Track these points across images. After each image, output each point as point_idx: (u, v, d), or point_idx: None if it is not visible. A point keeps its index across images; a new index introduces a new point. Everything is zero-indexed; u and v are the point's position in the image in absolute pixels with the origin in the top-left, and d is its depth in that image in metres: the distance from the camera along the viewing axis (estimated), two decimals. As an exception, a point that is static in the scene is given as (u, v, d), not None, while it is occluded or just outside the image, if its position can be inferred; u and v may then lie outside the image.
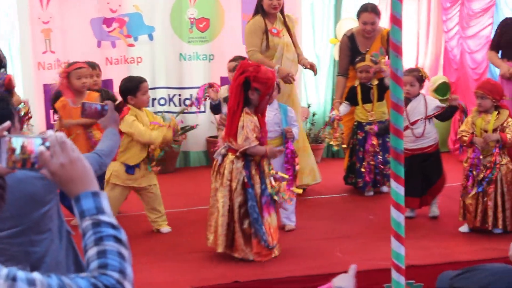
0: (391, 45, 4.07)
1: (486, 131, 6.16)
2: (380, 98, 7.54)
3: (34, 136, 1.97)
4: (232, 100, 5.65)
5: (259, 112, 5.73)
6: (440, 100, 9.59)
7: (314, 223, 6.68)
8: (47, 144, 1.93)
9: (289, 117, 6.47)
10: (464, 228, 6.31)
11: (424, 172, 6.58)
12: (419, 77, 6.64)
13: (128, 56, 8.76)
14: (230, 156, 5.68)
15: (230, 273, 5.47)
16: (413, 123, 6.58)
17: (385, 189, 7.72)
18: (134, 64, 8.72)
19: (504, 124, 6.14)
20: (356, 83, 7.60)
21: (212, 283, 5.29)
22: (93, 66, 7.03)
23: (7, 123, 2.03)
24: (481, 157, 6.16)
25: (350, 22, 8.85)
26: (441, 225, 6.60)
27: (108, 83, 7.17)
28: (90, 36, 8.59)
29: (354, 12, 8.97)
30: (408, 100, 6.62)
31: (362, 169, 7.57)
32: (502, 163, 6.14)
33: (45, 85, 8.17)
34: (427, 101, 6.65)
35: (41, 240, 3.36)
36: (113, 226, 1.97)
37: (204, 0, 8.91)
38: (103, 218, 1.94)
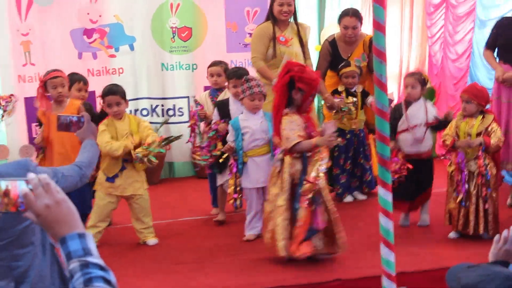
0: (375, 51, 4.11)
1: (469, 135, 6.22)
2: (362, 106, 7.58)
3: (17, 179, 1.98)
4: (277, 99, 5.78)
5: (302, 111, 5.85)
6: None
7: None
8: (30, 186, 1.94)
9: None
10: (453, 234, 6.35)
11: (417, 177, 6.61)
12: (421, 80, 6.61)
13: (110, 67, 8.76)
14: (288, 159, 5.76)
15: (218, 283, 5.49)
16: (412, 127, 6.60)
17: (360, 196, 7.79)
18: (116, 75, 8.72)
19: (489, 129, 6.19)
20: (341, 88, 7.62)
21: (200, 294, 5.32)
22: (81, 79, 7.03)
23: None
24: (464, 161, 6.22)
25: (333, 29, 8.90)
26: (431, 231, 6.63)
27: (90, 94, 7.16)
28: (71, 48, 8.59)
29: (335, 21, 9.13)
30: (408, 103, 6.66)
31: (342, 177, 7.63)
32: (488, 168, 6.19)
33: (26, 98, 8.17)
34: (428, 108, 6.65)
35: (23, 254, 3.35)
36: (101, 268, 1.97)
37: (186, 8, 8.92)
38: (91, 259, 1.95)
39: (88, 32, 8.63)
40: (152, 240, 6.54)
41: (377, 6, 4.06)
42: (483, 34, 8.88)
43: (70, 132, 4.39)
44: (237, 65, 8.90)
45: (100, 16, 8.63)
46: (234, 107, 6.84)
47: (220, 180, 7.02)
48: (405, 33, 10.04)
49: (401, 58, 10.05)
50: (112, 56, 8.79)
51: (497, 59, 7.40)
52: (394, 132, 6.55)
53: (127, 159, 6.37)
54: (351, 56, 7.72)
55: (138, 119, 6.74)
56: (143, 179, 6.57)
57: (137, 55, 8.89)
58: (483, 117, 6.26)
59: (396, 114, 6.65)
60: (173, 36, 8.93)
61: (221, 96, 7.19)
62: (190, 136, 7.29)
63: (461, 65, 9.47)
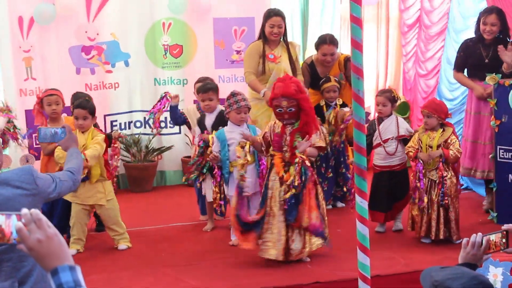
0: (353, 68, 4.10)
1: (430, 147, 6.24)
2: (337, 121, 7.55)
3: (8, 214, 1.97)
4: None
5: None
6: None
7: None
8: (22, 221, 1.94)
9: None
10: (425, 239, 6.33)
11: (391, 189, 6.60)
12: (391, 97, 6.65)
13: (106, 82, 8.70)
14: None
15: (205, 285, 5.44)
16: (384, 141, 6.60)
17: (339, 204, 7.77)
18: (112, 89, 8.68)
19: (448, 141, 6.22)
20: (322, 102, 7.60)
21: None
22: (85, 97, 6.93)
23: None
24: (423, 170, 6.24)
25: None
26: (404, 237, 6.59)
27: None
28: (70, 64, 8.53)
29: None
30: (380, 120, 6.66)
31: (324, 185, 7.61)
32: (447, 177, 6.20)
33: (26, 111, 8.10)
34: (399, 122, 6.66)
35: (29, 256, 3.33)
36: None
37: (177, 27, 8.88)
38: None
39: (86, 49, 8.57)
40: (122, 246, 6.43)
41: (355, 26, 4.06)
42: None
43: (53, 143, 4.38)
44: (225, 80, 8.90)
45: (97, 34, 8.58)
46: (208, 119, 6.87)
47: (203, 190, 6.95)
48: (381, 51, 10.04)
49: (377, 74, 10.04)
50: (109, 71, 8.73)
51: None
52: (370, 145, 6.57)
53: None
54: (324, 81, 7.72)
55: (96, 133, 6.47)
56: (107, 190, 6.41)
57: (131, 71, 8.84)
58: (443, 130, 6.30)
59: (370, 129, 6.68)
60: (165, 53, 8.89)
61: (192, 110, 7.24)
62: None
63: (430, 80, 9.51)
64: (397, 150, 6.59)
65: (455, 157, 6.19)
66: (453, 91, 8.96)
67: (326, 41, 7.69)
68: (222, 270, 5.78)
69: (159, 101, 7.34)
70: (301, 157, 5.63)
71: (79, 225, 6.36)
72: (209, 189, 6.84)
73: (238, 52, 9.12)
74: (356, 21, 4.04)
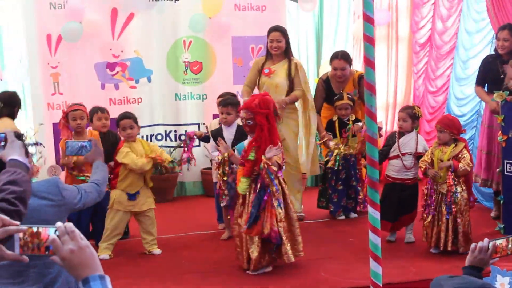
0: (366, 85, 4.13)
1: (442, 160, 6.25)
2: (354, 134, 7.56)
3: (47, 226, 2.05)
4: None
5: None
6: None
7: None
8: (57, 233, 2.01)
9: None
10: (435, 249, 6.33)
11: (400, 201, 6.60)
12: (412, 114, 6.64)
13: (130, 97, 8.75)
14: None
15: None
16: (403, 154, 6.61)
17: (352, 215, 7.76)
18: (135, 104, 8.73)
19: (459, 155, 6.22)
20: (335, 117, 7.64)
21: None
22: (101, 110, 7.01)
23: (17, 223, 2.13)
24: (435, 187, 6.26)
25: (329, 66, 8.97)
26: (415, 247, 6.58)
27: (112, 122, 7.16)
28: (95, 79, 8.59)
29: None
30: (401, 134, 6.69)
31: (334, 197, 7.63)
32: (457, 191, 6.19)
33: (54, 124, 8.18)
34: (418, 139, 6.67)
35: (54, 263, 3.37)
36: None
37: (197, 45, 8.93)
38: None
39: (110, 66, 8.64)
40: (157, 250, 6.55)
41: (368, 45, 4.09)
42: (464, 73, 8.95)
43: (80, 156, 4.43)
44: (230, 95, 8.95)
45: (121, 51, 8.64)
46: (227, 133, 6.89)
47: (223, 201, 6.98)
48: (391, 69, 10.05)
49: (387, 91, 10.05)
50: (133, 87, 8.78)
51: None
52: (386, 156, 6.60)
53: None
54: (343, 91, 7.74)
55: (147, 142, 6.90)
56: (152, 195, 6.64)
57: (154, 86, 8.89)
58: (456, 145, 6.29)
59: (390, 141, 6.72)
60: (186, 70, 8.95)
61: (214, 124, 7.34)
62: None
63: (439, 97, 9.52)
64: (413, 165, 6.61)
65: (465, 170, 6.17)
66: (461, 107, 8.96)
67: (338, 56, 7.80)
68: (240, 277, 5.78)
69: (185, 145, 7.38)
70: (266, 162, 5.64)
71: (117, 231, 6.45)
72: (214, 172, 6.88)
73: (255, 69, 9.16)
74: (369, 40, 4.07)
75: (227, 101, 6.96)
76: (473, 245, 3.17)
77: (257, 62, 7.62)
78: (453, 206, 6.15)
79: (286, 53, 7.50)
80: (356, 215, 7.75)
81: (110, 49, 8.60)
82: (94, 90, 8.53)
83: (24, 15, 8.26)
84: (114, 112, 8.30)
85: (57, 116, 7.95)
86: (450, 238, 6.18)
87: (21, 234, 2.05)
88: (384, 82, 9.90)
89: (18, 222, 2.11)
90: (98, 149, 4.08)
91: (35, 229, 2.05)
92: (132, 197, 6.41)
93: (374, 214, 4.21)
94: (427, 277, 5.39)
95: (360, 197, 7.63)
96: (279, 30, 7.49)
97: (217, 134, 6.89)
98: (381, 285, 4.17)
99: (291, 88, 7.40)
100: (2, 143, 3.09)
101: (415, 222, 6.74)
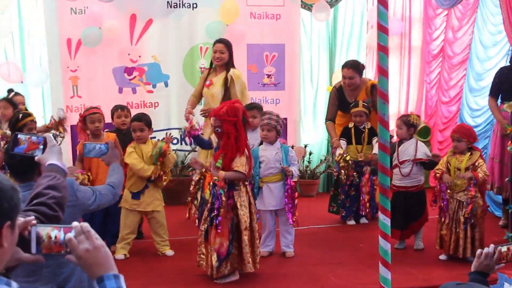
0: (379, 93, 4.11)
1: (459, 169, 6.22)
2: (370, 142, 7.56)
3: (60, 226, 2.06)
4: None
5: None
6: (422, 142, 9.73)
7: (309, 250, 6.66)
8: (73, 233, 2.02)
9: (289, 157, 6.50)
10: (443, 256, 6.30)
11: (407, 208, 6.57)
12: (406, 121, 6.66)
13: (147, 101, 8.79)
14: None
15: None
16: (401, 162, 6.59)
17: (363, 220, 7.74)
18: (152, 108, 8.75)
19: (476, 164, 6.19)
20: (351, 125, 7.64)
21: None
22: (122, 107, 7.15)
23: (32, 218, 2.16)
24: (446, 191, 6.23)
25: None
26: (424, 253, 6.56)
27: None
28: (113, 83, 8.64)
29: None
30: (400, 142, 6.67)
31: (346, 202, 7.62)
32: (476, 198, 6.17)
33: (72, 126, 8.21)
34: (418, 146, 6.65)
35: (67, 262, 3.36)
36: None
37: (213, 52, 8.95)
38: None
39: (128, 70, 8.68)
40: (169, 252, 6.59)
41: (382, 54, 4.08)
42: (478, 84, 8.91)
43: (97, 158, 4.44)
44: (256, 102, 8.95)
45: (139, 56, 8.68)
46: (252, 138, 6.88)
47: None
48: (404, 78, 10.04)
49: (399, 100, 10.03)
50: (150, 91, 8.82)
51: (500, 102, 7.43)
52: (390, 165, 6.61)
53: (150, 180, 6.45)
54: (357, 100, 7.75)
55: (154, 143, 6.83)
56: (161, 197, 6.63)
57: (170, 91, 8.92)
58: (471, 153, 6.26)
59: (391, 150, 6.69)
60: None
61: None
62: None
63: (452, 107, 9.49)
64: (412, 172, 6.58)
65: (483, 179, 6.16)
66: (476, 118, 8.92)
67: (347, 65, 7.83)
68: (252, 280, 5.78)
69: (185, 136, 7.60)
70: (214, 180, 5.61)
71: (129, 230, 6.49)
72: None
73: (269, 76, 9.18)
74: (382, 50, 4.05)
75: (252, 105, 7.04)
76: (479, 251, 3.21)
77: (203, 75, 7.73)
78: (472, 217, 6.13)
79: (228, 64, 7.48)
80: (366, 221, 7.73)
81: (128, 54, 8.64)
82: (112, 93, 8.57)
83: (46, 20, 8.33)
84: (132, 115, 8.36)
85: (76, 119, 7.99)
86: (469, 246, 6.14)
87: (36, 234, 2.06)
88: (396, 91, 9.88)
89: (35, 221, 2.12)
90: (115, 152, 4.08)
91: (51, 229, 2.06)
92: (135, 196, 6.46)
93: (384, 220, 4.19)
94: (435, 283, 5.37)
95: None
96: (223, 42, 7.50)
97: None
98: (390, 290, 4.15)
99: (226, 98, 7.31)
100: (41, 147, 3.10)
101: (424, 230, 6.71)
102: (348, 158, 7.49)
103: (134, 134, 6.51)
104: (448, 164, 6.31)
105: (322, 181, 9.73)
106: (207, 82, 7.48)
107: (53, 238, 2.05)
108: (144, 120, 6.55)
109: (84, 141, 6.45)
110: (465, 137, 6.23)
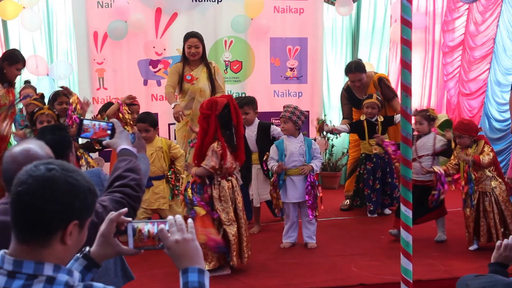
0: (402, 86, 4.13)
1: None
2: (383, 134, 7.54)
3: (156, 221, 2.13)
4: None
5: None
6: (443, 136, 9.69)
7: (331, 241, 6.68)
8: (167, 226, 2.09)
9: (313, 149, 6.52)
10: (474, 247, 6.32)
11: (422, 201, 6.51)
12: (426, 116, 6.64)
13: (171, 93, 8.85)
14: None
15: (257, 284, 5.49)
16: (420, 157, 6.57)
17: (387, 211, 7.76)
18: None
19: (482, 152, 6.20)
20: (362, 117, 7.62)
21: (242, 292, 5.32)
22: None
23: (125, 210, 2.23)
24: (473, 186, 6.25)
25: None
26: (445, 246, 6.57)
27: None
28: (138, 76, 8.70)
29: (367, 59, 9.30)
30: (418, 137, 6.66)
31: (373, 196, 7.62)
32: (493, 186, 6.18)
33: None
34: (436, 140, 6.64)
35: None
36: None
37: (237, 45, 8.99)
38: None
39: (153, 63, 8.73)
40: None
41: (405, 47, 4.08)
42: (506, 79, 8.85)
43: None
44: (279, 95, 9.00)
45: (164, 49, 8.72)
46: (248, 132, 6.97)
47: (250, 195, 7.09)
48: (427, 72, 10.00)
49: (421, 93, 10.00)
50: (174, 84, 8.87)
51: None
52: None
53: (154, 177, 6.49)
54: (366, 94, 7.81)
55: (170, 142, 6.96)
56: (167, 196, 6.66)
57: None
58: (477, 144, 6.27)
59: None
60: (226, 68, 8.99)
61: None
62: None
63: (473, 101, 9.43)
64: (433, 166, 6.53)
65: (489, 162, 6.13)
66: (503, 113, 8.85)
67: (352, 70, 7.82)
68: (273, 271, 5.83)
69: None
70: (192, 176, 5.64)
71: None
72: (255, 195, 6.95)
73: (291, 69, 9.19)
74: (406, 43, 4.06)
75: (243, 101, 6.98)
76: (498, 242, 3.22)
77: (176, 68, 7.48)
78: (495, 204, 6.14)
79: (203, 58, 7.47)
80: (390, 212, 7.73)
81: (153, 47, 8.68)
82: (137, 86, 8.63)
83: (74, 13, 8.42)
84: (156, 107, 8.46)
85: (101, 110, 8.11)
86: (500, 231, 6.13)
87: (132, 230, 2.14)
88: (418, 85, 9.84)
89: (130, 219, 2.18)
90: (141, 142, 4.11)
91: (145, 224, 2.13)
92: None
93: (406, 212, 4.21)
94: (456, 275, 5.37)
95: (397, 193, 7.58)
96: (197, 36, 7.43)
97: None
98: (411, 281, 4.17)
99: (213, 91, 7.38)
100: (109, 131, 3.16)
101: (445, 222, 6.70)
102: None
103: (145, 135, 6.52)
104: (459, 160, 6.33)
105: (344, 174, 9.71)
106: (188, 77, 7.39)
107: (145, 233, 2.12)
108: (149, 121, 6.59)
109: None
110: (466, 133, 6.25)
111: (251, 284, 5.48)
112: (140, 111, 7.15)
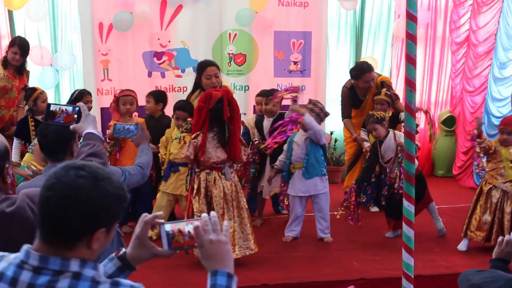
0: (406, 81, 4.09)
1: (511, 161, 6.03)
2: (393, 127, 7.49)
3: (189, 220, 2.12)
4: None
5: None
6: (447, 131, 9.66)
7: (333, 235, 6.63)
8: (197, 223, 2.06)
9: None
10: (462, 246, 6.25)
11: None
12: (376, 120, 6.56)
13: (176, 85, 8.80)
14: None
15: (259, 277, 5.47)
16: (386, 162, 6.50)
17: (374, 209, 7.74)
18: (180, 93, 8.76)
19: None
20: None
21: (244, 285, 5.27)
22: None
23: (160, 213, 2.20)
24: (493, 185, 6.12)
25: (368, 61, 8.90)
26: (447, 241, 6.54)
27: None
28: (142, 67, 8.66)
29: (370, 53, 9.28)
30: (380, 142, 6.58)
31: (368, 189, 7.59)
32: None
33: (102, 108, 8.29)
34: (396, 136, 6.51)
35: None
36: None
37: (241, 38, 8.94)
38: None
39: (158, 55, 8.69)
40: None
41: (410, 42, 4.04)
42: (501, 73, 8.81)
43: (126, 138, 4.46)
44: (283, 87, 8.95)
45: (169, 41, 8.68)
46: (266, 122, 6.96)
47: (259, 188, 7.06)
48: (428, 68, 9.96)
49: (423, 89, 9.96)
50: (179, 76, 8.82)
51: None
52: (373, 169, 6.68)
53: (181, 164, 6.46)
54: (368, 96, 7.75)
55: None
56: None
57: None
58: None
59: (373, 151, 6.65)
60: (230, 61, 8.96)
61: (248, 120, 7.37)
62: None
63: (476, 97, 9.38)
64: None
65: None
66: (501, 108, 8.81)
67: (366, 70, 7.69)
68: (275, 264, 5.82)
69: None
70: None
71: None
72: (266, 186, 6.92)
73: (295, 63, 9.16)
74: (411, 38, 4.02)
75: (263, 92, 7.13)
76: (500, 238, 3.23)
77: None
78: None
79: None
80: (377, 210, 7.68)
81: (158, 39, 8.64)
82: (141, 77, 8.60)
83: (79, 4, 8.37)
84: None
85: (105, 101, 8.11)
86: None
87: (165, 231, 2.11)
88: (419, 80, 9.80)
89: (162, 221, 2.14)
90: (144, 133, 4.10)
91: (175, 225, 2.10)
92: (163, 178, 6.60)
93: (408, 207, 4.18)
94: (457, 270, 5.34)
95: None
96: (215, 64, 6.92)
97: (259, 123, 7.01)
98: (412, 276, 4.14)
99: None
100: (76, 116, 3.13)
101: (447, 218, 6.67)
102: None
103: (177, 122, 6.54)
104: (499, 155, 6.08)
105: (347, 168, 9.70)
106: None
107: (184, 232, 2.09)
108: (189, 111, 6.52)
109: (116, 121, 6.51)
110: None
111: (252, 277, 5.46)
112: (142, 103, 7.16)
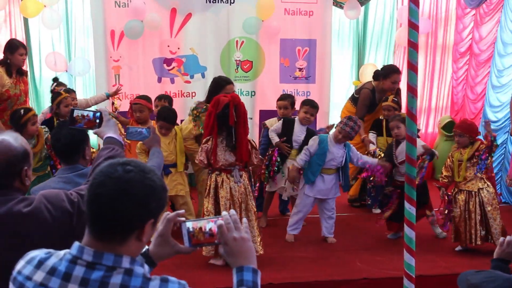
0: (408, 88, 4.10)
1: (460, 161, 6.18)
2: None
3: (207, 218, 2.11)
4: None
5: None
6: (446, 136, 9.64)
7: (337, 236, 6.64)
8: (220, 221, 2.06)
9: (353, 153, 6.60)
10: (459, 248, 6.28)
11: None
12: (402, 119, 6.49)
13: (185, 91, 8.83)
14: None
15: (264, 276, 5.45)
16: (400, 163, 6.42)
17: (376, 210, 7.72)
18: (189, 98, 8.80)
19: (478, 150, 6.13)
20: (381, 117, 7.62)
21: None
22: (159, 98, 7.39)
23: (182, 211, 2.21)
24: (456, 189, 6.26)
25: (370, 68, 8.92)
26: (448, 243, 6.53)
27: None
28: (152, 73, 8.70)
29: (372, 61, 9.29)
30: (397, 143, 6.57)
31: (372, 191, 7.58)
32: (480, 186, 6.14)
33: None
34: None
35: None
36: None
37: (248, 45, 8.96)
38: None
39: (167, 61, 8.72)
40: None
41: (412, 50, 4.06)
42: (499, 81, 8.81)
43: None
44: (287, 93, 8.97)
45: (178, 48, 8.72)
46: (298, 128, 6.93)
47: (272, 187, 7.03)
48: (428, 75, 9.97)
49: (423, 96, 9.96)
50: (188, 82, 8.84)
51: None
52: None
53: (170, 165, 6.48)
54: (382, 100, 7.70)
55: (180, 126, 6.96)
56: (185, 182, 6.62)
57: (207, 82, 8.89)
58: (472, 145, 6.20)
59: (388, 151, 6.62)
60: (237, 68, 8.98)
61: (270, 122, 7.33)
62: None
63: (477, 103, 9.39)
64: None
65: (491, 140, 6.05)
66: (497, 113, 8.83)
67: (397, 71, 7.71)
68: (280, 264, 5.82)
69: None
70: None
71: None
72: (288, 187, 6.92)
73: (300, 69, 9.17)
74: (413, 46, 4.03)
75: (311, 103, 7.08)
76: (501, 239, 3.22)
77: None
78: (481, 207, 6.09)
79: None
80: (379, 211, 7.67)
81: (168, 46, 8.67)
82: (151, 83, 8.63)
83: (92, 12, 8.42)
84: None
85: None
86: (479, 233, 6.06)
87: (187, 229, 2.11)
88: (420, 87, 9.80)
89: (183, 219, 2.16)
90: (156, 136, 4.11)
91: (197, 222, 2.11)
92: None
93: (410, 209, 4.19)
94: (457, 271, 5.33)
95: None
96: (232, 82, 7.04)
97: (288, 122, 7.03)
98: (414, 276, 4.15)
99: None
100: (98, 121, 3.15)
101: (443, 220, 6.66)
102: (377, 155, 7.45)
103: (160, 131, 6.50)
104: (452, 158, 6.26)
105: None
106: None
107: (204, 230, 2.09)
108: (172, 122, 6.60)
109: (130, 125, 6.54)
110: (467, 133, 6.18)
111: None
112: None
